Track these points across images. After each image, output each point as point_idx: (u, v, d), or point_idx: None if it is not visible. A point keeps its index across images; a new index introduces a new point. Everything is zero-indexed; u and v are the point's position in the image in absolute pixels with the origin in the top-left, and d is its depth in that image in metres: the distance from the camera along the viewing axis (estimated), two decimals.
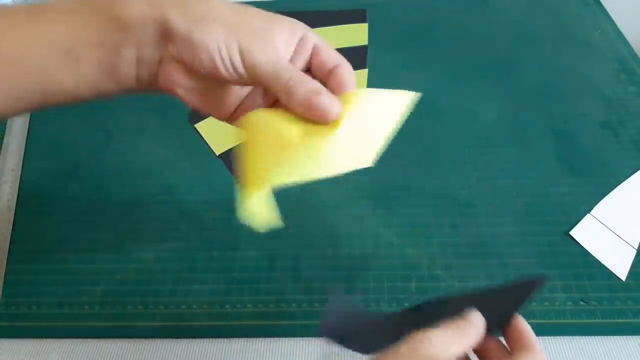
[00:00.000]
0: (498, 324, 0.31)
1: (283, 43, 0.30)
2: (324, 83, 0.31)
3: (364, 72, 0.60)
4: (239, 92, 0.33)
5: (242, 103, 0.33)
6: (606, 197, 0.48)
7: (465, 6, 0.70)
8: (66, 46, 0.29)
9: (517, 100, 0.58)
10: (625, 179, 0.50)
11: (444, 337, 0.27)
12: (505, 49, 0.64)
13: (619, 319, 0.41)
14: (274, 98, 0.33)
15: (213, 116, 0.34)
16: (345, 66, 0.31)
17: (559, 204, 0.48)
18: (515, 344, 0.30)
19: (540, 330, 0.40)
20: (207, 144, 0.54)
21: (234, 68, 0.29)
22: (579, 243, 0.45)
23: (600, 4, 0.70)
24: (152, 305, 0.43)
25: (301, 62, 0.31)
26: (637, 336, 0.41)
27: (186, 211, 0.49)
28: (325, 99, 0.28)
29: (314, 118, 0.29)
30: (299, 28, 0.31)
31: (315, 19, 0.67)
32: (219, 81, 0.30)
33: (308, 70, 0.32)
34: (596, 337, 0.41)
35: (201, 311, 0.42)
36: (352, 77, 0.31)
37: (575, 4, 0.70)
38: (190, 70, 0.29)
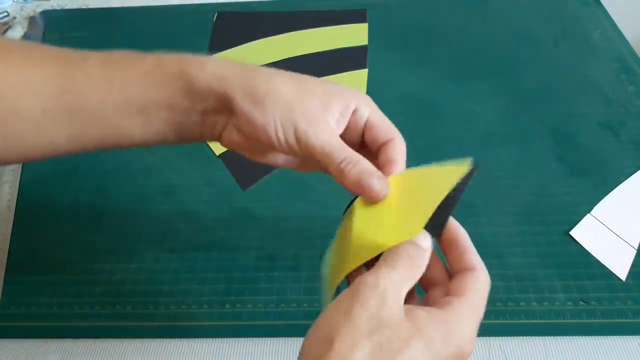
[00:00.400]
0: (434, 231, 0.29)
1: (336, 120, 0.31)
2: (376, 156, 0.32)
3: (364, 72, 0.60)
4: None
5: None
6: (606, 197, 0.48)
7: (465, 6, 0.70)
8: (139, 106, 0.31)
9: (517, 100, 0.58)
10: (625, 179, 0.50)
11: (397, 287, 0.26)
12: (505, 48, 0.64)
13: (619, 319, 0.41)
14: None
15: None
16: (396, 142, 0.32)
17: (559, 204, 0.48)
18: (456, 264, 0.29)
19: (540, 330, 0.41)
20: (207, 144, 0.54)
21: (289, 146, 0.31)
22: (579, 243, 0.45)
23: (600, 4, 0.70)
24: (152, 305, 0.43)
25: (354, 136, 0.33)
26: (637, 336, 0.41)
27: (186, 211, 0.49)
28: (375, 181, 0.30)
29: (364, 196, 0.30)
30: (353, 100, 0.32)
31: (315, 19, 0.67)
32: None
33: (361, 140, 0.33)
34: (596, 337, 0.41)
35: (201, 311, 0.42)
36: (402, 153, 0.32)
37: (575, 4, 0.70)
38: (249, 137, 0.32)
